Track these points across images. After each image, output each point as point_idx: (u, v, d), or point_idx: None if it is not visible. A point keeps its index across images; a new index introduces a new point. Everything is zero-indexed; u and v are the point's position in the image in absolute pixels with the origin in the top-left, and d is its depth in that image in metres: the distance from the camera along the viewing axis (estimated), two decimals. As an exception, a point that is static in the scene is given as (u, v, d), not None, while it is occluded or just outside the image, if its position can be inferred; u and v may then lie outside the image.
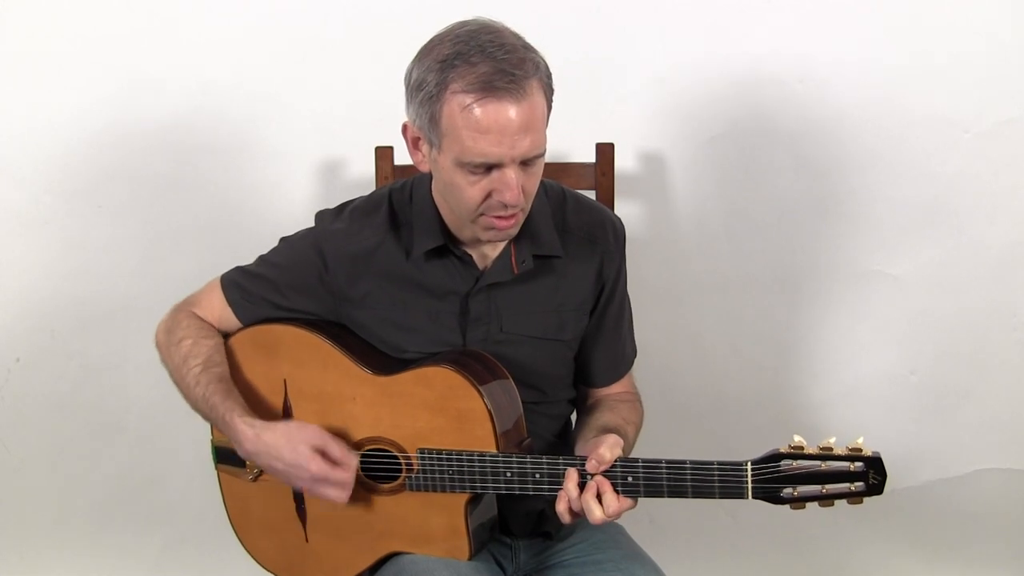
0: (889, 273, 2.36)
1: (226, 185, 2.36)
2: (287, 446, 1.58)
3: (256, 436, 1.60)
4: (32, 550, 2.50)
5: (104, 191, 2.35)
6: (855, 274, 2.37)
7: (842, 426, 2.36)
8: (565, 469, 1.54)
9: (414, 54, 1.52)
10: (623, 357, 1.80)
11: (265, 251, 1.75)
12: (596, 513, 1.49)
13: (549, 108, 1.51)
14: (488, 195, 1.50)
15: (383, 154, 2.10)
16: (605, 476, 1.51)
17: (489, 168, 1.48)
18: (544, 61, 1.50)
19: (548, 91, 1.51)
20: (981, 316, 2.36)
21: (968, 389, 2.40)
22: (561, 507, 1.53)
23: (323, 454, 1.58)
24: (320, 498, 1.60)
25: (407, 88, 1.53)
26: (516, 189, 1.49)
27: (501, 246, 1.65)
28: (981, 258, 2.34)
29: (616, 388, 1.81)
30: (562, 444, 1.78)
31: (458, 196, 1.53)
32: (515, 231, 1.57)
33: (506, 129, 1.44)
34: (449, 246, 1.63)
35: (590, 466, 1.50)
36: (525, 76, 1.45)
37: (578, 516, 1.53)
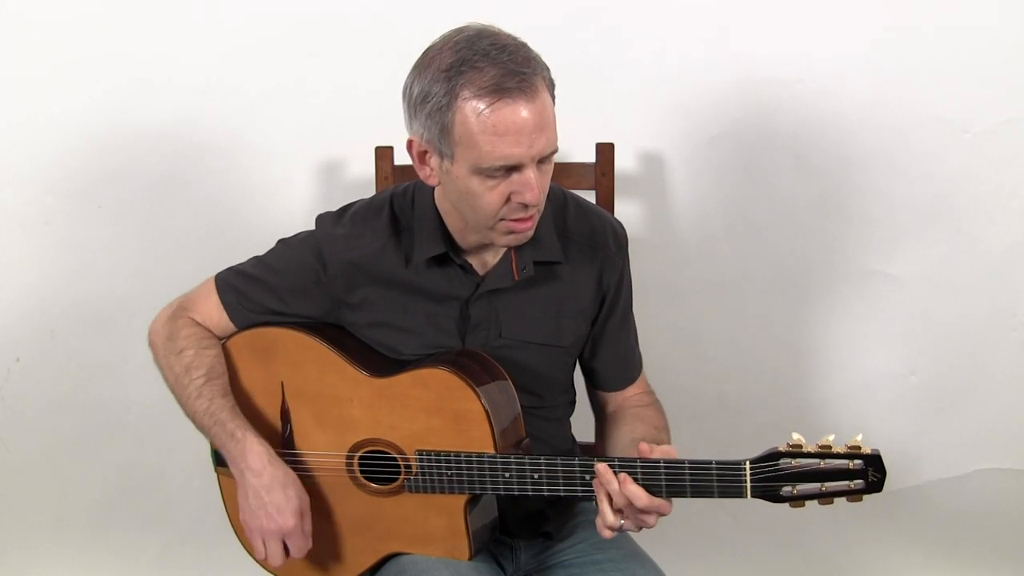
0: (889, 273, 2.36)
1: (226, 185, 2.36)
2: (287, 487, 1.61)
3: (268, 461, 1.61)
4: (32, 550, 2.50)
5: (104, 191, 2.35)
6: (855, 274, 2.37)
7: (842, 426, 2.35)
8: (563, 470, 1.54)
9: (415, 54, 1.52)
10: (634, 359, 1.80)
11: (264, 251, 1.75)
12: (642, 499, 1.46)
13: (553, 103, 1.51)
14: (507, 199, 1.50)
15: (383, 154, 2.09)
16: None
17: (508, 171, 1.48)
18: (541, 58, 1.50)
19: (551, 87, 1.51)
20: (981, 316, 2.36)
21: (968, 389, 2.40)
22: (602, 514, 1.50)
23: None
24: (258, 547, 1.63)
25: (409, 103, 1.51)
26: (537, 188, 1.48)
27: (502, 252, 1.64)
28: (981, 258, 2.33)
29: (633, 391, 1.80)
30: (560, 446, 1.78)
31: (476, 204, 1.51)
32: (532, 232, 1.57)
33: (523, 129, 1.44)
34: (450, 254, 1.63)
35: (644, 449, 1.49)
36: (532, 74, 1.45)
37: (617, 529, 1.50)
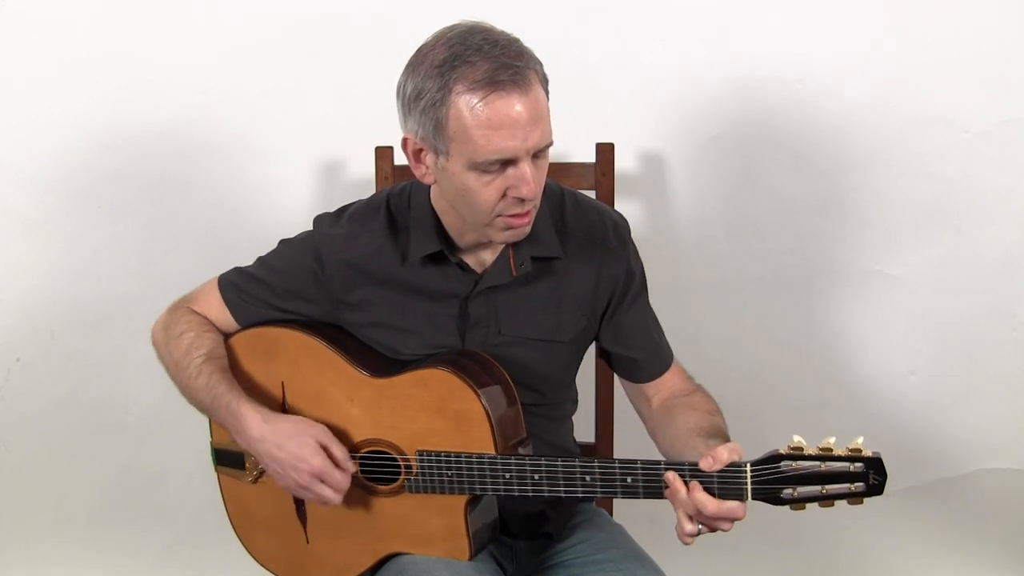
0: (889, 273, 2.36)
1: (226, 185, 2.36)
2: (294, 436, 1.58)
3: (263, 421, 1.59)
4: (32, 550, 2.50)
5: (104, 191, 2.35)
6: (855, 274, 2.37)
7: (842, 426, 2.35)
8: (564, 470, 1.53)
9: (414, 54, 1.51)
10: (662, 344, 1.77)
11: (265, 251, 1.75)
12: (709, 505, 1.43)
13: (547, 98, 1.51)
14: (503, 194, 1.50)
15: (383, 154, 2.09)
16: (606, 480, 1.51)
17: (503, 165, 1.48)
18: (534, 53, 1.50)
19: (544, 81, 1.50)
20: (981, 316, 2.36)
21: (968, 389, 2.40)
22: (679, 522, 1.47)
23: (326, 452, 1.58)
24: (310, 498, 1.60)
25: (403, 102, 1.52)
26: (532, 182, 1.48)
27: (499, 251, 1.64)
28: (981, 258, 2.33)
29: (673, 380, 1.76)
30: (561, 446, 1.78)
31: (472, 200, 1.51)
32: (529, 228, 1.57)
33: (517, 122, 1.44)
34: (446, 252, 1.63)
35: (704, 463, 1.44)
36: (525, 67, 1.45)
37: (695, 535, 1.48)
